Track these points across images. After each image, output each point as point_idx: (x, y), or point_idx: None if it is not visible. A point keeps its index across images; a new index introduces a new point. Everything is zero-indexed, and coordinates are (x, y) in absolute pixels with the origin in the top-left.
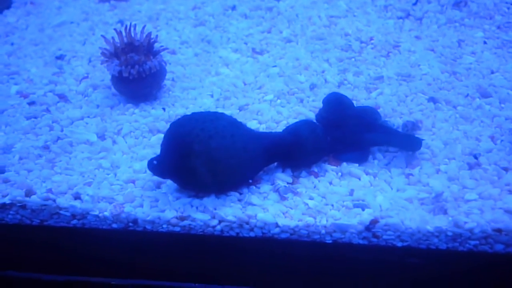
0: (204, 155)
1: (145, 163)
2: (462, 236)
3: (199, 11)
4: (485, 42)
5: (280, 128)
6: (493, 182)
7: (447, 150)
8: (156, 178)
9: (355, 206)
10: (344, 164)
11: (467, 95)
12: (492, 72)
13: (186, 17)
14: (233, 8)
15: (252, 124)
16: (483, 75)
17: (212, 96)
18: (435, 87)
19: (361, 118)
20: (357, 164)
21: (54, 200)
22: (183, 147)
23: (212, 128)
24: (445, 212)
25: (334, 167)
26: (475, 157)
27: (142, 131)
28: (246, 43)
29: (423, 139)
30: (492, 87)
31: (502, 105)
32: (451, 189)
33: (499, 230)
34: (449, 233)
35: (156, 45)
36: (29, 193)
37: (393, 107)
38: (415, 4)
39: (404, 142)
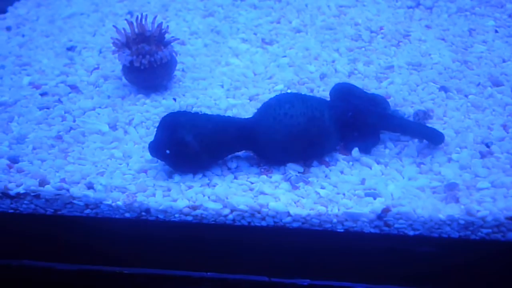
0: (189, 123)
1: None
2: (475, 224)
3: (208, 2)
4: (496, 31)
5: None
6: (506, 171)
7: (458, 139)
8: (168, 167)
9: (367, 195)
10: (355, 153)
11: (479, 83)
12: (504, 61)
13: (195, 8)
14: None
15: None
16: (494, 63)
17: (222, 86)
18: (446, 76)
19: (371, 107)
20: (368, 153)
21: (68, 190)
22: (172, 122)
23: (196, 112)
24: (457, 200)
25: (345, 156)
26: (487, 146)
27: (153, 121)
28: (255, 34)
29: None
30: (503, 76)
31: None
32: (463, 178)
33: (511, 218)
34: (462, 222)
35: (167, 36)
36: (43, 182)
37: (404, 96)
38: None
39: (429, 135)
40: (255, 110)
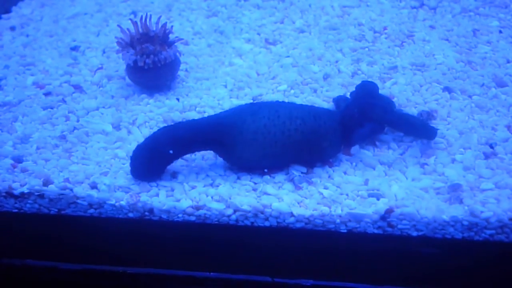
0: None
1: None
2: (478, 225)
3: (212, 2)
4: (500, 31)
5: None
6: (510, 172)
7: (462, 140)
8: (171, 168)
9: (370, 195)
10: (355, 150)
11: (483, 84)
12: (508, 61)
13: (199, 8)
14: None
15: None
16: (498, 64)
17: (225, 86)
18: (450, 77)
19: (374, 103)
20: (371, 154)
21: (72, 190)
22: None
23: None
24: (461, 201)
25: (349, 156)
26: (491, 147)
27: (157, 121)
28: (259, 34)
29: (438, 129)
30: (508, 77)
31: None
32: (466, 179)
33: None
34: (465, 223)
35: (171, 36)
36: (46, 182)
37: (408, 97)
38: None
39: (421, 129)
40: None
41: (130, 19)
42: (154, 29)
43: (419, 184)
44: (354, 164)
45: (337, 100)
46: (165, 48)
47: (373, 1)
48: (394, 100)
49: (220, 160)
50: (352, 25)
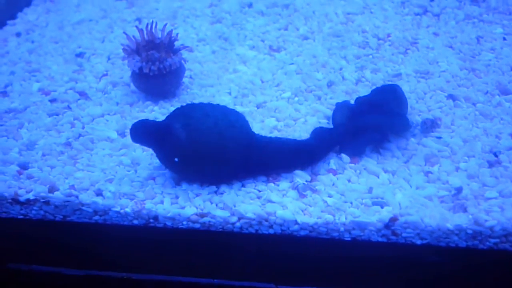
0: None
1: None
2: (483, 234)
3: (216, 9)
4: (504, 38)
5: (297, 126)
6: None
7: (466, 148)
8: (176, 175)
9: (374, 203)
10: (362, 161)
11: (487, 92)
12: None
13: (203, 15)
14: (250, 5)
15: (270, 122)
16: (502, 71)
17: (230, 93)
18: (454, 84)
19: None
20: (375, 162)
21: (77, 196)
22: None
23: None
24: (465, 210)
25: (352, 164)
26: (495, 155)
27: None
28: (263, 41)
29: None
30: None
31: None
32: (471, 187)
33: None
34: (469, 231)
35: (177, 43)
36: (52, 189)
37: (412, 104)
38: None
39: (392, 123)
40: (262, 118)
41: (136, 26)
42: (160, 36)
43: (423, 192)
44: (358, 172)
45: (338, 108)
46: (171, 55)
47: (377, 8)
48: None
49: None
50: (356, 32)
